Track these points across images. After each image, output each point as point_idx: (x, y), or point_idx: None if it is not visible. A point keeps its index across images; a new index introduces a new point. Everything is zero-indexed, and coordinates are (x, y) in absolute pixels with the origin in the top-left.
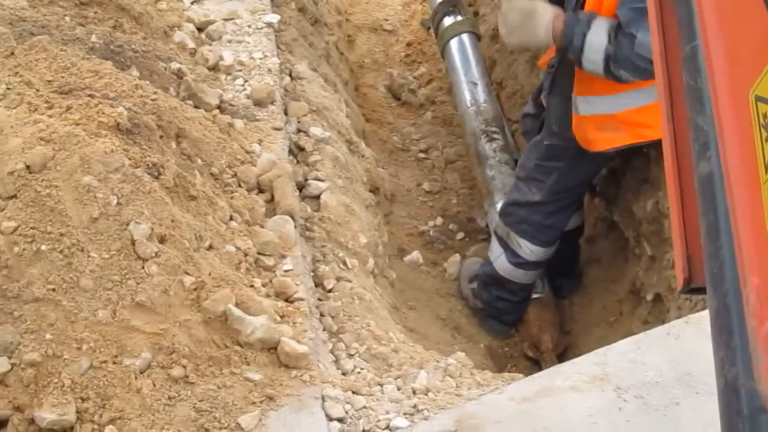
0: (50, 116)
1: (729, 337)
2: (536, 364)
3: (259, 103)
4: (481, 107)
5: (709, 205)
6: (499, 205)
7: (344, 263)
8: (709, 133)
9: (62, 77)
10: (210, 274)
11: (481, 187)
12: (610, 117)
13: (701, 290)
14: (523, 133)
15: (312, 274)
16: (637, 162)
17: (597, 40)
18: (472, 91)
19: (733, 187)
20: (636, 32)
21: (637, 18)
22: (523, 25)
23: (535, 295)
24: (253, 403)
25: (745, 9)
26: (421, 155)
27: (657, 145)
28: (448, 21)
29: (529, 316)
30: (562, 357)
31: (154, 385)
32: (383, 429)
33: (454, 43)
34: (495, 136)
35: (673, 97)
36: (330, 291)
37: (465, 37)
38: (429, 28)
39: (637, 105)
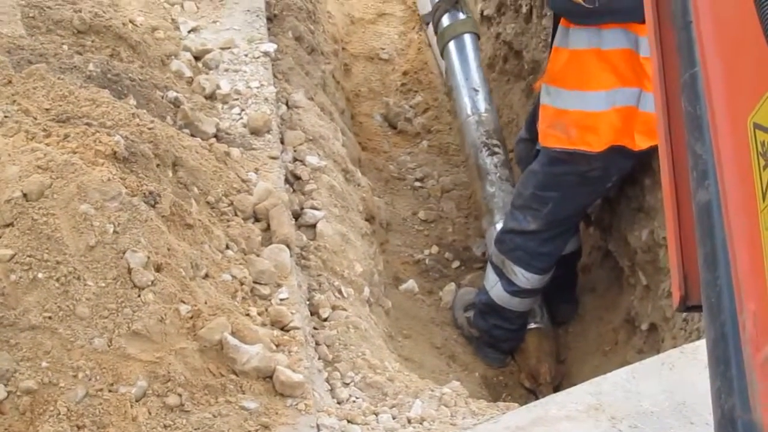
0: (48, 144)
1: (726, 368)
2: (532, 394)
3: (255, 132)
4: (482, 117)
5: (707, 234)
6: (499, 225)
7: (340, 292)
8: (708, 161)
9: (60, 105)
10: (206, 303)
11: (480, 203)
12: (563, 112)
13: (697, 308)
14: (518, 161)
15: (308, 302)
16: (631, 191)
17: None
18: (473, 99)
19: (730, 213)
20: None
21: None
22: None
23: (533, 325)
24: (249, 431)
25: (745, 37)
26: (417, 184)
27: (651, 173)
28: (448, 19)
29: (528, 346)
30: (558, 388)
31: (150, 413)
32: None
33: (453, 45)
34: (496, 149)
35: (671, 122)
36: (325, 320)
37: (466, 38)
38: (428, 24)
39: (590, 109)
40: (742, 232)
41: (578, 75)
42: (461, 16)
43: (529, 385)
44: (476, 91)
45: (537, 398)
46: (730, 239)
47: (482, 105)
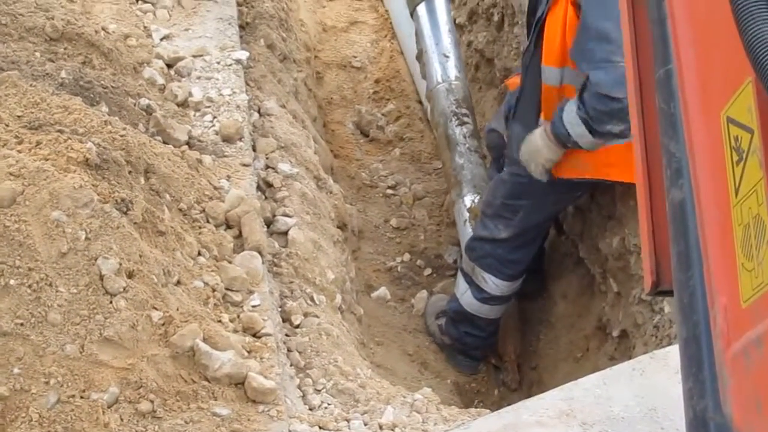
0: (20, 151)
1: (698, 369)
2: (497, 369)
3: (227, 140)
4: (452, 85)
5: (680, 233)
6: (467, 198)
7: (312, 299)
8: (682, 159)
9: (32, 113)
10: (178, 310)
11: (449, 173)
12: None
13: (668, 293)
14: (489, 148)
15: (280, 309)
16: (602, 199)
17: (570, 114)
18: (443, 65)
19: (703, 208)
20: (588, 69)
21: (583, 55)
22: (532, 156)
23: None
24: None
25: (719, 31)
26: (389, 191)
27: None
28: None
29: None
30: (522, 364)
31: (122, 419)
32: None
33: (424, 7)
34: (465, 119)
35: (645, 120)
36: (297, 326)
37: (437, 1)
38: None
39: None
40: (715, 226)
41: None
42: None
43: (495, 362)
44: (446, 57)
45: (503, 375)
46: (703, 234)
47: (452, 72)
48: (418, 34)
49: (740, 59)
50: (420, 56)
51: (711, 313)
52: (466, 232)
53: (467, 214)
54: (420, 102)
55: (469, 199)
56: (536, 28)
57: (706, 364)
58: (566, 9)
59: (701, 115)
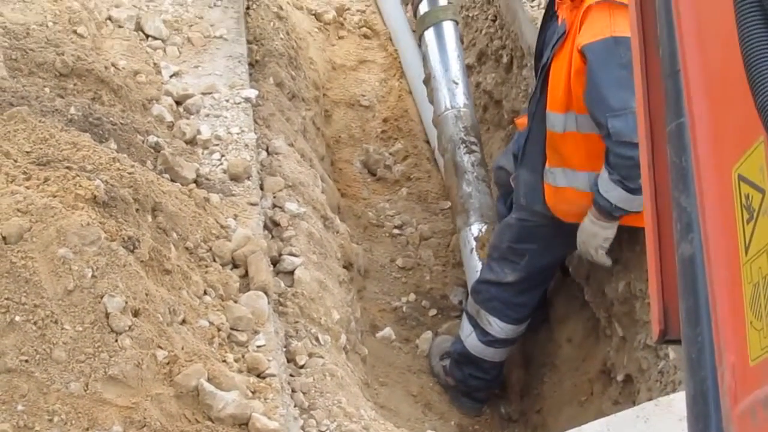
0: (28, 188)
1: (705, 426)
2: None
3: (235, 178)
4: (461, 112)
5: (689, 289)
6: (474, 227)
7: (317, 339)
8: (692, 213)
9: (40, 149)
10: (183, 349)
11: (456, 201)
12: (586, 194)
13: (675, 341)
14: (497, 185)
15: (284, 349)
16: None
17: (604, 183)
18: (452, 92)
19: (713, 264)
20: (605, 120)
21: (598, 107)
22: (590, 243)
23: None
24: None
25: (732, 87)
26: (396, 231)
27: (629, 226)
28: (428, 4)
29: None
30: (524, 395)
31: None
32: None
33: (431, 33)
34: (473, 147)
35: (656, 172)
36: (302, 367)
37: (445, 26)
38: (407, 4)
39: None
40: (724, 284)
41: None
42: (442, 1)
43: (498, 392)
44: (455, 83)
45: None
46: (712, 290)
47: (461, 99)
48: (426, 59)
49: (753, 116)
50: (427, 81)
51: (719, 370)
52: (472, 260)
53: (474, 243)
54: (427, 142)
55: (476, 228)
56: (542, 74)
57: (713, 421)
58: (571, 56)
59: (713, 170)
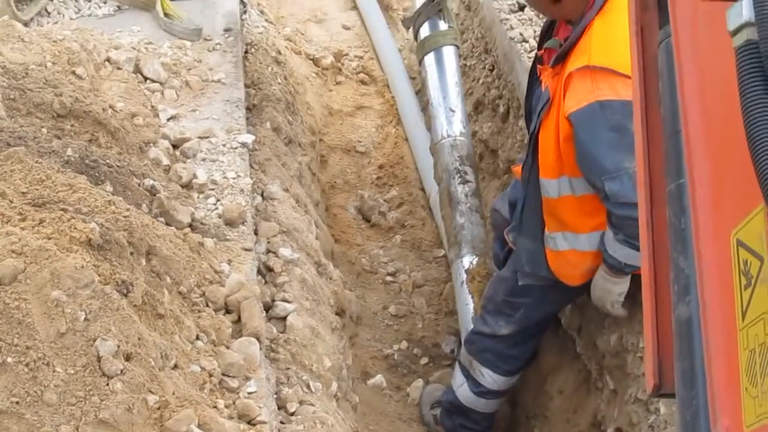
0: (23, 228)
1: None
2: None
3: (230, 223)
4: (457, 141)
5: (685, 351)
6: (465, 259)
7: (308, 386)
8: (690, 276)
9: (36, 190)
10: (174, 394)
11: (449, 231)
12: (589, 254)
13: (669, 395)
14: (492, 226)
15: (275, 396)
16: None
17: (611, 244)
18: (449, 120)
19: (709, 328)
20: (602, 183)
21: (593, 172)
22: (605, 298)
23: None
24: None
25: (734, 151)
26: (389, 278)
27: None
28: (429, 29)
29: None
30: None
31: None
32: None
33: (433, 58)
34: (468, 177)
35: (655, 232)
36: (293, 414)
37: (445, 51)
38: (408, 29)
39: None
40: (720, 348)
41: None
42: (443, 26)
43: None
44: (452, 111)
45: None
46: (708, 354)
47: (458, 127)
48: (425, 85)
49: (754, 181)
50: (426, 107)
51: None
52: (463, 293)
53: (464, 276)
54: (422, 189)
55: (468, 261)
56: (531, 141)
57: None
58: (557, 122)
59: (711, 233)
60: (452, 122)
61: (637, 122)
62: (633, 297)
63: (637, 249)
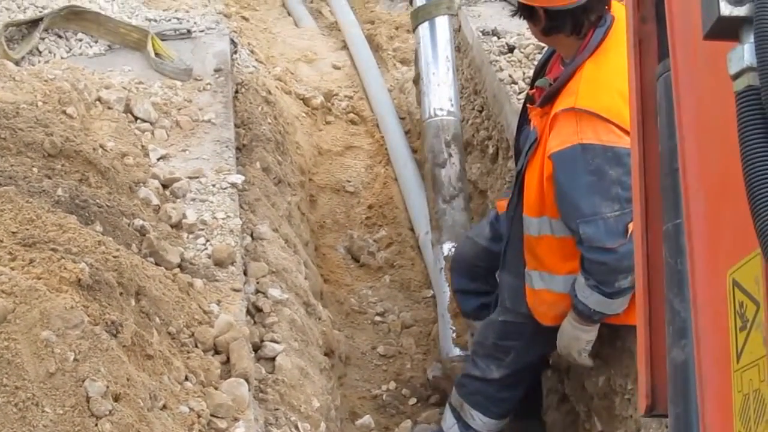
0: (12, 268)
1: None
2: None
3: (219, 264)
4: (444, 121)
5: (679, 395)
6: (445, 246)
7: (296, 427)
8: (687, 320)
9: (27, 229)
10: None
11: (432, 215)
12: (563, 296)
13: (662, 415)
14: (455, 260)
15: None
16: None
17: (581, 290)
18: (438, 97)
19: (703, 370)
20: (577, 227)
21: (570, 215)
22: (572, 346)
23: (461, 353)
24: None
25: (733, 190)
26: (378, 318)
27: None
28: None
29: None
30: None
31: None
32: None
33: (424, 30)
34: (453, 160)
35: (651, 272)
36: None
37: (438, 22)
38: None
39: None
40: (715, 391)
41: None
42: None
43: None
44: (442, 87)
45: None
46: (702, 396)
47: (446, 105)
48: (417, 57)
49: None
50: (417, 80)
51: None
52: (441, 279)
53: (443, 262)
54: (411, 229)
55: (447, 248)
56: (518, 179)
57: None
58: (542, 162)
59: (708, 272)
60: (441, 99)
61: (634, 156)
62: (619, 339)
63: (607, 296)
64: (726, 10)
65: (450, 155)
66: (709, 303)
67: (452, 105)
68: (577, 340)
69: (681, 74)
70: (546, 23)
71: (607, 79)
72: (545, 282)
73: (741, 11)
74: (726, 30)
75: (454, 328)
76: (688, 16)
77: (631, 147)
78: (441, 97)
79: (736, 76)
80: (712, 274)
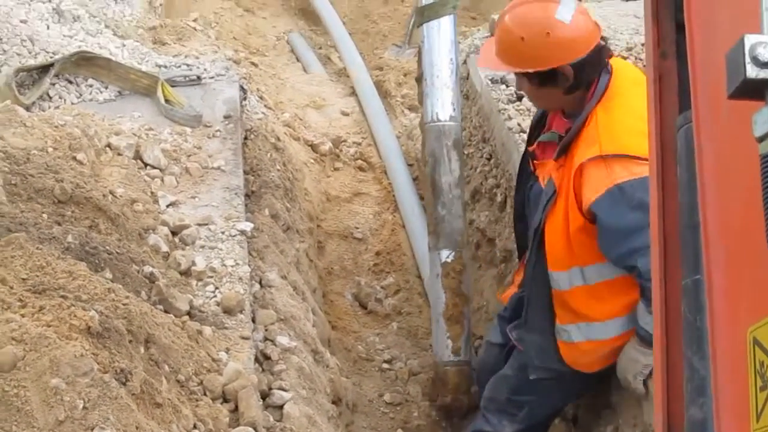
0: (23, 315)
1: None
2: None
3: (228, 311)
4: (445, 126)
5: None
6: (443, 253)
7: None
8: (706, 378)
9: (37, 276)
10: None
11: (430, 220)
12: (606, 342)
13: None
14: (480, 366)
15: None
16: (599, 387)
17: (643, 317)
18: (441, 100)
19: (723, 427)
20: (635, 262)
21: (623, 253)
22: (630, 367)
23: (455, 358)
24: None
25: (754, 248)
26: (385, 366)
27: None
28: None
29: (448, 382)
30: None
31: None
32: None
33: (431, 28)
34: (453, 166)
35: (669, 328)
36: None
37: (443, 22)
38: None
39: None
40: None
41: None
42: None
43: (441, 413)
44: (444, 90)
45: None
46: None
47: (448, 109)
48: (421, 56)
49: None
50: (419, 80)
51: None
52: (437, 285)
53: (440, 269)
54: (419, 276)
55: (445, 254)
56: (536, 237)
57: None
58: (566, 214)
59: (728, 331)
60: (444, 103)
61: (653, 212)
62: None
63: None
64: (752, 72)
65: (450, 160)
66: (728, 361)
67: (454, 110)
68: (635, 362)
69: (703, 130)
70: (574, 80)
71: (622, 121)
72: (584, 333)
73: (767, 74)
74: (751, 91)
75: (448, 334)
76: (711, 69)
77: (651, 197)
78: (444, 101)
79: (762, 138)
80: (733, 332)
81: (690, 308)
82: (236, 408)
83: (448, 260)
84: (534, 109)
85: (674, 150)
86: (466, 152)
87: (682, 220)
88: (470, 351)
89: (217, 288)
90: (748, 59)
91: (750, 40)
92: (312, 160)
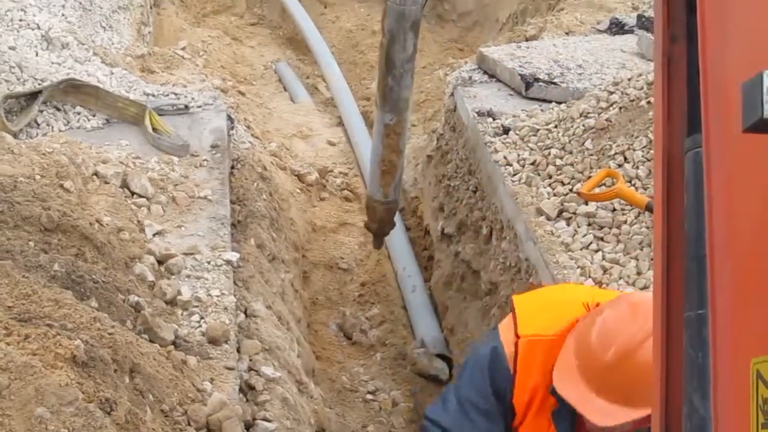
0: (8, 344)
1: None
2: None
3: (213, 342)
4: (407, 10)
5: None
6: (387, 115)
7: None
8: (706, 418)
9: (23, 304)
10: None
11: (379, 87)
12: None
13: None
14: None
15: None
16: None
17: None
18: None
19: None
20: None
21: None
22: None
23: (383, 198)
24: None
25: (763, 283)
26: (369, 396)
27: None
28: None
29: (376, 215)
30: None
31: None
32: None
33: None
34: (407, 45)
35: (669, 362)
36: None
37: None
38: None
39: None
40: None
41: None
42: None
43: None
44: None
45: None
46: None
47: None
48: None
49: None
50: None
51: None
52: (377, 141)
53: (383, 129)
54: (404, 308)
55: (388, 117)
56: None
57: None
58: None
59: (731, 365)
60: None
61: (656, 241)
62: None
63: None
64: None
65: (405, 40)
66: (730, 398)
67: None
68: None
69: (713, 162)
70: None
71: None
72: None
73: None
74: (767, 128)
75: (381, 182)
76: (722, 93)
77: (654, 226)
78: None
79: None
80: (735, 368)
81: (692, 343)
82: None
83: (391, 123)
84: (520, 143)
85: (680, 181)
86: (451, 184)
87: (689, 252)
88: (398, 193)
89: (202, 318)
90: (765, 98)
91: None
92: (298, 190)
